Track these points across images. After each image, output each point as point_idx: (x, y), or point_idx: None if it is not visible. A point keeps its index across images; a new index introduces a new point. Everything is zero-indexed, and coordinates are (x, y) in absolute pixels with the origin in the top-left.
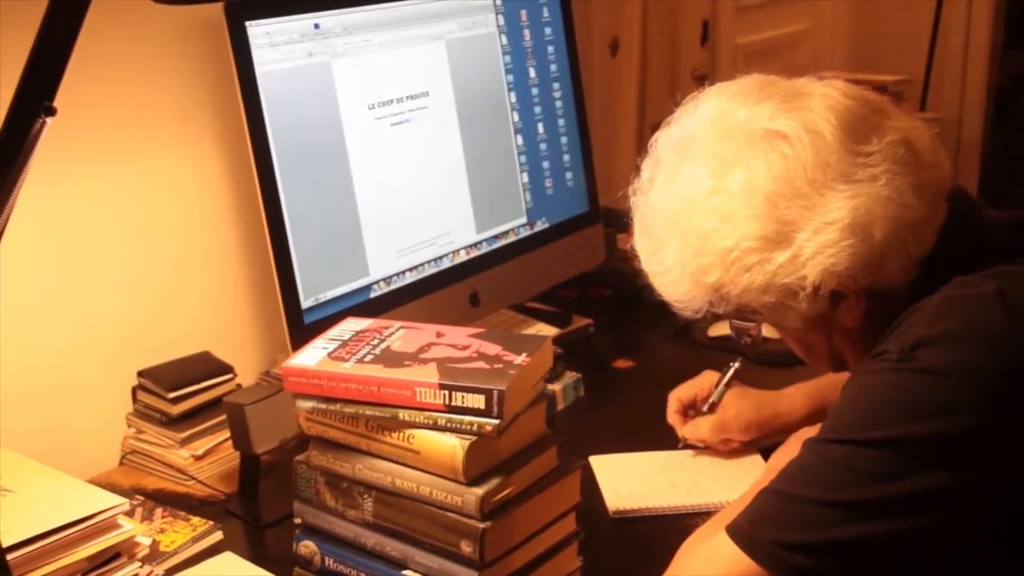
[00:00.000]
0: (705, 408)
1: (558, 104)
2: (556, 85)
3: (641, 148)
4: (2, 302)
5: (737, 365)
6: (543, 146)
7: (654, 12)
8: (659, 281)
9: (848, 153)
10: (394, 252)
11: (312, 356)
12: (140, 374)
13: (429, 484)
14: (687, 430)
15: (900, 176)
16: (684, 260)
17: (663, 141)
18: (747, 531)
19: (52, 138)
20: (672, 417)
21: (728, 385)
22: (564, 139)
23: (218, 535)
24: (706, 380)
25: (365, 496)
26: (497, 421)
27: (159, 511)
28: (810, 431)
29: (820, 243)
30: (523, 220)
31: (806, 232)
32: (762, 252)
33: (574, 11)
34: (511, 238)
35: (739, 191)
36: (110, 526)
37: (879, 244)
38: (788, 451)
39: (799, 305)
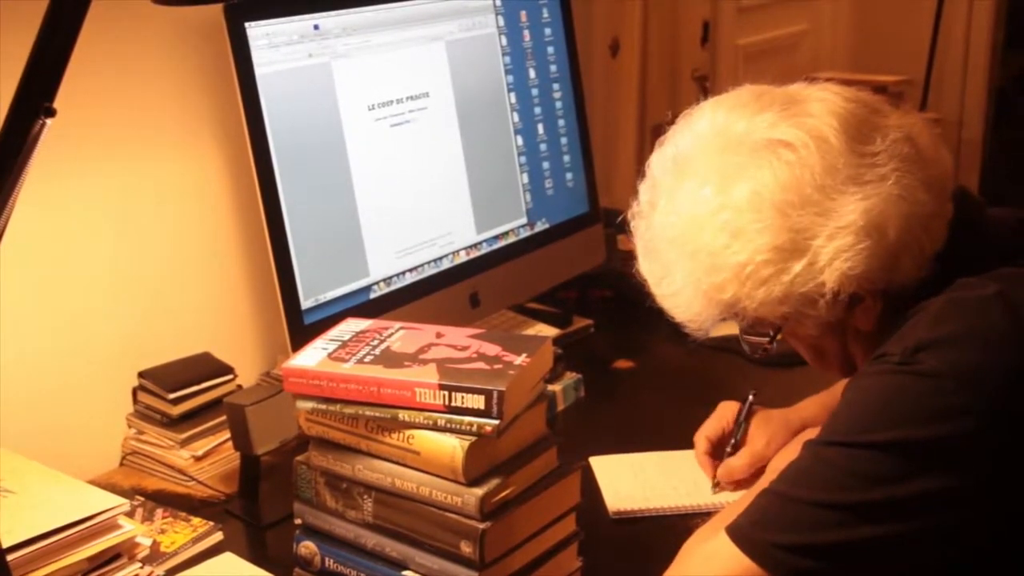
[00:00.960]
0: (728, 449)
1: (558, 105)
2: (556, 86)
3: (641, 148)
4: (2, 303)
5: (752, 397)
6: (543, 147)
7: (654, 12)
8: (670, 303)
9: (854, 155)
10: (394, 253)
11: (312, 357)
12: (140, 375)
13: (429, 485)
14: (721, 474)
15: (908, 173)
16: (696, 280)
17: (658, 162)
18: (747, 532)
19: (52, 139)
20: (701, 459)
21: (748, 419)
22: (564, 140)
23: (218, 536)
24: (727, 412)
25: (365, 497)
26: (497, 422)
27: (159, 512)
28: (811, 432)
29: (836, 248)
30: (523, 221)
31: (820, 239)
32: (777, 263)
33: (574, 12)
34: (511, 239)
35: (746, 204)
36: (110, 527)
37: (893, 243)
38: (789, 452)
39: (818, 312)
